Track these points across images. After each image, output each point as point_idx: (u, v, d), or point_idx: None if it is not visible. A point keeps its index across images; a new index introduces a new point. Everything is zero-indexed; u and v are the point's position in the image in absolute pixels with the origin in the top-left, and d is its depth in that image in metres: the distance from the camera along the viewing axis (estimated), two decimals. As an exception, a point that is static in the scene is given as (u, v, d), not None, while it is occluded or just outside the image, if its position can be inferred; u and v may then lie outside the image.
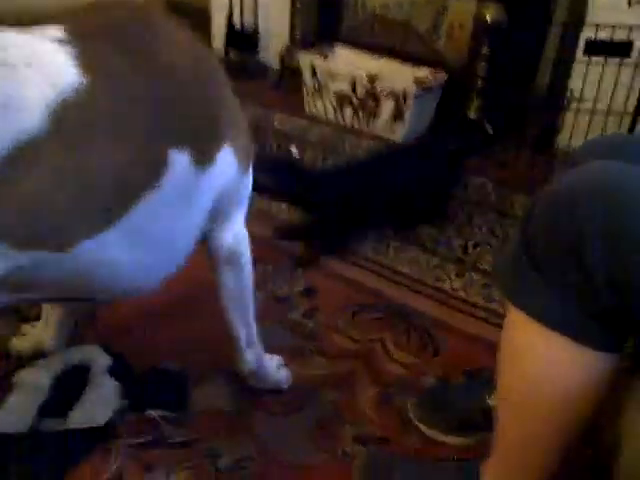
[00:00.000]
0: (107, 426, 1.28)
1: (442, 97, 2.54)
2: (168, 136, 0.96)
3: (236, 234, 1.24)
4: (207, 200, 1.10)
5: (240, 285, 1.28)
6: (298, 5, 2.87)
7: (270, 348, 1.48)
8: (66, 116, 0.80)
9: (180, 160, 0.97)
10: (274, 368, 1.42)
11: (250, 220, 1.99)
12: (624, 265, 0.72)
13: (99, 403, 1.31)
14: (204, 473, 1.22)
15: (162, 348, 1.50)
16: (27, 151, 0.76)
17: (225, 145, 1.09)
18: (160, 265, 1.08)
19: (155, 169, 0.94)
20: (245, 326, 1.32)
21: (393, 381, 1.45)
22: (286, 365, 1.45)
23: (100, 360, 1.40)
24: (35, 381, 1.35)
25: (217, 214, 1.17)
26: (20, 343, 1.46)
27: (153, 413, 1.31)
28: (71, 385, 1.35)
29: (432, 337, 1.58)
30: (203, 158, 1.03)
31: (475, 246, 1.95)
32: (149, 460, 1.23)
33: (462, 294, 1.74)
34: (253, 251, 1.83)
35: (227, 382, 1.41)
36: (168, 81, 0.98)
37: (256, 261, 1.77)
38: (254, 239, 1.88)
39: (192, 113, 1.02)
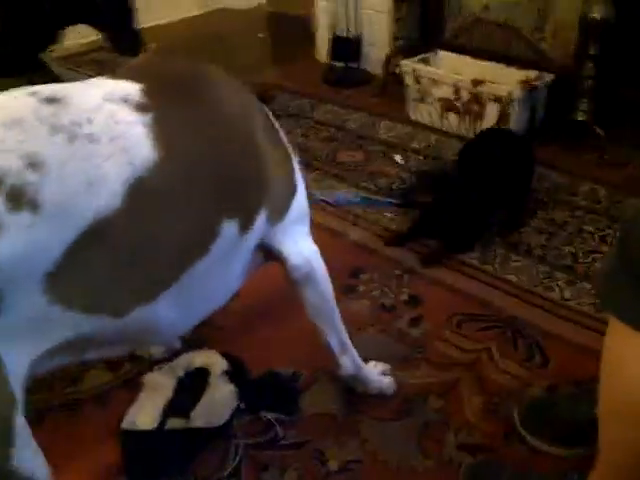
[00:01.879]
0: (225, 426, 1.38)
1: (548, 99, 2.49)
2: (222, 207, 1.01)
3: (302, 253, 1.25)
4: (246, 252, 1.13)
5: (321, 299, 1.31)
6: (400, 13, 2.89)
7: (376, 356, 1.53)
8: (139, 193, 0.85)
9: (228, 229, 1.02)
10: (376, 374, 1.47)
11: (354, 230, 2.07)
12: None
13: (218, 405, 1.41)
14: (314, 474, 1.28)
15: (274, 350, 1.58)
16: (102, 225, 0.81)
17: (264, 208, 1.12)
18: (199, 314, 1.13)
19: (208, 238, 0.99)
20: (334, 332, 1.36)
21: (499, 391, 1.45)
22: (391, 373, 1.49)
23: (219, 365, 1.50)
24: (161, 383, 1.46)
25: (264, 250, 1.21)
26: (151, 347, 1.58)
27: (268, 415, 1.40)
28: (193, 387, 1.46)
29: (540, 347, 1.57)
30: (246, 224, 1.07)
31: (586, 254, 1.91)
32: (263, 459, 1.32)
33: (572, 303, 1.71)
34: (359, 260, 1.91)
35: (336, 387, 1.47)
36: (225, 150, 1.02)
37: (362, 270, 1.86)
38: (359, 248, 1.97)
39: (243, 182, 1.06)
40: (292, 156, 1.25)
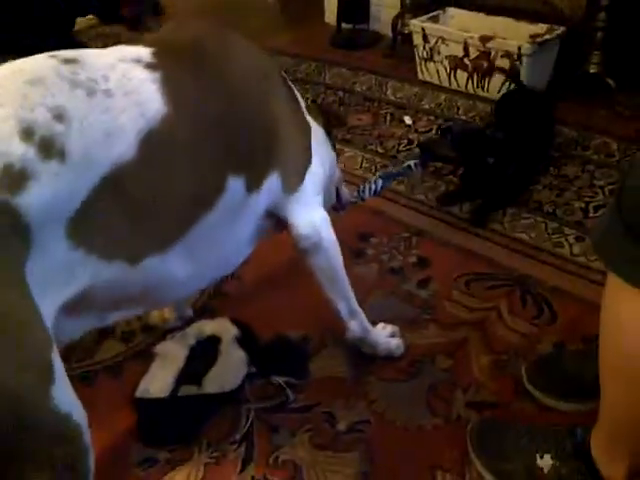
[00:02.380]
0: (237, 391, 1.41)
1: (560, 53, 2.44)
2: (229, 163, 1.05)
3: (312, 222, 1.28)
4: (254, 215, 1.17)
5: (329, 264, 1.33)
6: (408, -29, 2.83)
7: (384, 318, 1.54)
8: (150, 144, 0.90)
9: (235, 185, 1.06)
10: (384, 337, 1.48)
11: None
12: None
13: (229, 371, 1.44)
14: (324, 435, 1.31)
15: (284, 316, 1.60)
16: (115, 177, 0.87)
17: (273, 171, 1.16)
18: (211, 273, 1.18)
19: (214, 193, 1.03)
20: (343, 299, 1.38)
21: (508, 348, 1.46)
22: (400, 335, 1.51)
23: (229, 332, 1.52)
24: (174, 352, 1.49)
25: (274, 218, 1.24)
26: (160, 315, 1.62)
27: (278, 379, 1.42)
28: (204, 355, 1.49)
29: (549, 304, 1.57)
30: (252, 184, 1.11)
31: (597, 209, 1.89)
32: (275, 422, 1.34)
33: (582, 259, 1.70)
34: (369, 223, 1.91)
35: (344, 350, 1.49)
36: (236, 109, 1.07)
37: (371, 234, 1.87)
38: (369, 211, 1.96)
39: (252, 141, 1.10)
40: (311, 128, 1.29)
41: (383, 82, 2.77)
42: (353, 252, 1.80)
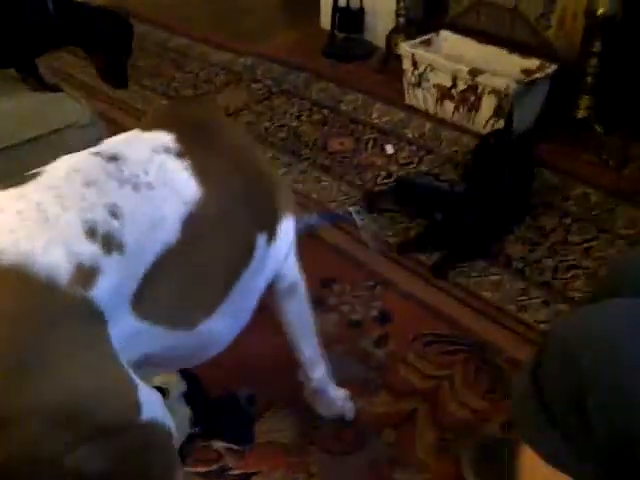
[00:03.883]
0: (179, 452, 1.39)
1: (550, 92, 2.38)
2: (254, 223, 1.16)
3: (292, 266, 1.36)
4: (274, 264, 1.27)
5: (301, 308, 1.39)
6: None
7: (338, 379, 1.52)
8: (192, 225, 1.01)
9: (261, 241, 1.17)
10: (340, 398, 1.47)
11: (331, 232, 2.03)
12: (624, 423, 0.69)
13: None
14: (258, 510, 1.30)
15: (234, 371, 1.57)
16: (165, 259, 0.96)
17: (282, 219, 1.26)
18: (242, 324, 1.26)
19: (248, 253, 1.15)
20: (311, 345, 1.42)
21: (455, 426, 1.44)
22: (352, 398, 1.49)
23: (176, 386, 1.49)
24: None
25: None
26: None
27: (219, 445, 1.41)
28: (149, 408, 1.47)
29: (504, 377, 1.55)
30: (272, 235, 1.22)
31: (568, 269, 1.86)
32: (210, 491, 1.33)
33: (544, 327, 1.68)
34: (333, 267, 1.88)
35: (292, 413, 1.48)
36: (248, 175, 1.18)
37: (334, 279, 1.84)
38: (334, 253, 1.93)
39: (264, 201, 1.22)
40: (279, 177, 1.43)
41: (369, 103, 2.71)
42: (314, 300, 1.76)
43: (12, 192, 0.89)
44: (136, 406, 0.89)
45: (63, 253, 0.83)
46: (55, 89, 1.58)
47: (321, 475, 1.35)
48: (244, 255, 1.15)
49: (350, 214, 1.86)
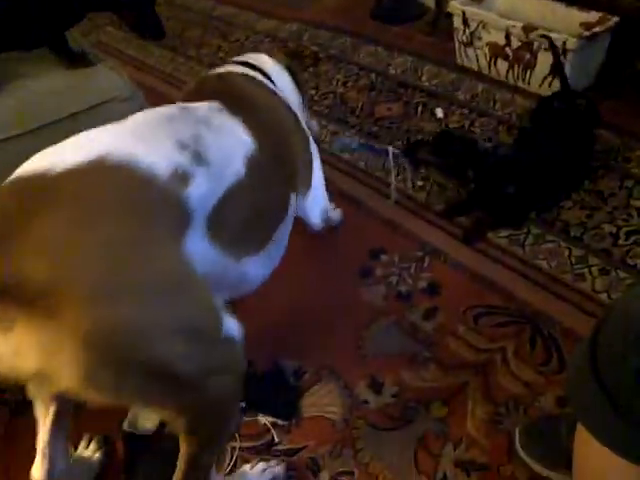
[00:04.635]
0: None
1: (612, 46, 2.24)
2: (288, 180, 1.35)
3: (317, 216, 1.61)
4: (291, 221, 1.42)
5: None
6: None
7: (385, 352, 1.50)
8: (251, 169, 1.15)
9: (293, 199, 1.38)
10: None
11: (380, 201, 1.98)
12: None
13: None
14: (305, 484, 1.29)
15: (282, 342, 1.57)
16: (235, 191, 1.10)
17: (305, 183, 1.49)
18: (271, 270, 1.35)
19: (286, 206, 1.33)
20: None
21: (507, 400, 1.39)
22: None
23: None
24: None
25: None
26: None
27: (266, 420, 1.40)
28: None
29: (559, 349, 1.48)
30: (297, 196, 1.43)
31: (628, 235, 1.75)
32: (257, 465, 1.33)
33: (603, 297, 1.59)
34: (381, 237, 1.84)
35: (339, 387, 1.45)
36: (278, 138, 1.33)
37: (382, 250, 1.79)
38: (384, 223, 1.88)
39: (293, 163, 1.39)
40: (310, 138, 1.54)
41: (419, 66, 2.62)
42: (361, 271, 1.74)
43: (106, 126, 1.04)
44: (220, 320, 0.96)
45: (161, 157, 0.97)
46: (89, 63, 1.57)
47: (368, 451, 1.33)
48: (284, 208, 1.32)
49: (387, 152, 1.94)
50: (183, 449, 1.00)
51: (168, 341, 0.84)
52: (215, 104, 1.22)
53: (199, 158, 1.03)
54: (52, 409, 1.14)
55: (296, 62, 1.73)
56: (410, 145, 2.10)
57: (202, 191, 1.01)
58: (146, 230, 0.88)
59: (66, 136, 1.40)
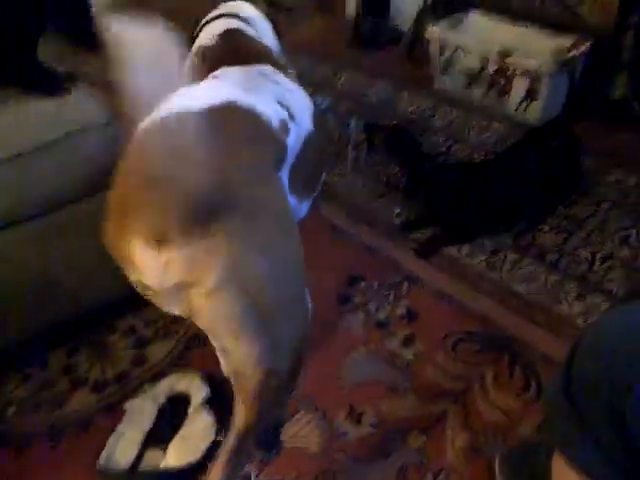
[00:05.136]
0: (200, 464, 1.37)
1: (584, 70, 2.27)
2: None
3: None
4: None
5: None
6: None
7: (364, 381, 1.49)
8: (314, 123, 1.25)
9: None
10: None
11: (359, 227, 1.97)
12: None
13: (195, 438, 1.40)
14: (283, 520, 1.27)
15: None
16: (307, 141, 1.20)
17: None
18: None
19: (326, 159, 1.49)
20: None
21: (486, 427, 1.38)
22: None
23: (200, 391, 1.48)
24: (143, 411, 1.46)
25: None
26: None
27: (243, 453, 1.38)
28: (173, 416, 1.46)
29: (538, 375, 1.48)
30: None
31: (603, 260, 1.77)
32: (235, 500, 1.31)
33: (580, 322, 1.60)
34: (360, 263, 1.83)
35: (318, 418, 1.44)
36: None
37: (361, 277, 1.79)
38: (362, 248, 1.88)
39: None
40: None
41: (397, 91, 2.64)
42: (340, 297, 1.74)
43: (215, 81, 1.15)
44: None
45: (272, 110, 1.10)
46: (65, 88, 1.55)
47: (348, 483, 1.32)
48: (326, 155, 1.52)
49: (349, 124, 2.15)
50: (238, 419, 1.05)
51: (280, 279, 0.98)
52: (269, 67, 1.26)
53: (290, 114, 1.15)
54: None
55: (273, 9, 1.80)
56: (369, 126, 2.18)
57: (292, 143, 1.14)
58: (273, 165, 1.06)
59: (40, 166, 1.41)
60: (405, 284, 1.76)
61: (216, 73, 1.19)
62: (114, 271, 1.56)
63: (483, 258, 1.82)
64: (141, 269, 0.94)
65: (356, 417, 1.44)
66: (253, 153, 1.01)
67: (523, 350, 1.54)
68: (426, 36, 2.57)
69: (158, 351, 1.64)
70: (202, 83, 1.13)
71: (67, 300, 1.61)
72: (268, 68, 1.26)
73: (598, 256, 1.78)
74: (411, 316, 1.67)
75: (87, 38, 1.61)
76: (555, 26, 2.37)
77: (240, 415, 1.04)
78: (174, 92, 1.00)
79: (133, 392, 1.53)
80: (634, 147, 2.16)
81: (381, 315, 1.68)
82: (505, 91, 2.32)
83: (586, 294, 1.67)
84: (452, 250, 1.86)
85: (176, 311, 0.99)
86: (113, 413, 1.49)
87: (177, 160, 0.88)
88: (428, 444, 1.37)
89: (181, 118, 0.93)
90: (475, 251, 1.85)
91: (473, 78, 2.41)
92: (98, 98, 1.59)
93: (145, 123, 0.95)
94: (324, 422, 1.43)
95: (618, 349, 0.72)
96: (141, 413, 1.46)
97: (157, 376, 1.56)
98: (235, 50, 1.35)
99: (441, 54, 2.48)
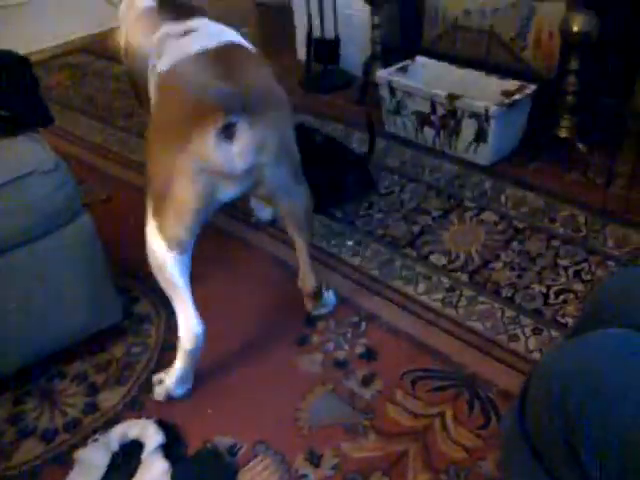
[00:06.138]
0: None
1: (533, 111, 2.35)
2: None
3: None
4: None
5: None
6: (379, 18, 2.72)
7: (324, 422, 1.47)
8: None
9: None
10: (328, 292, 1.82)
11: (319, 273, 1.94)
12: (617, 460, 0.64)
13: (149, 487, 1.35)
14: None
15: (214, 420, 1.51)
16: None
17: None
18: None
19: None
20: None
21: (448, 466, 1.36)
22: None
23: (153, 438, 1.43)
24: (94, 460, 1.40)
25: None
26: (160, 388, 1.57)
27: (198, 501, 1.33)
28: (126, 463, 1.40)
29: (497, 411, 1.48)
30: None
31: (557, 294, 1.80)
32: None
33: (537, 356, 1.61)
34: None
35: (276, 462, 1.40)
36: None
37: (317, 318, 1.77)
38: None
39: None
40: None
41: (349, 133, 2.67)
42: (297, 338, 1.71)
43: (201, 33, 1.54)
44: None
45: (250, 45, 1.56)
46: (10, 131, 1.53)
47: (307, 530, 1.28)
48: None
49: None
50: (306, 237, 1.66)
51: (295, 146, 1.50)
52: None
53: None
54: None
55: None
56: None
57: None
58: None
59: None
60: (363, 323, 1.75)
61: (193, 25, 1.56)
62: (66, 313, 1.52)
63: (438, 297, 1.82)
64: (217, 160, 1.31)
65: (316, 460, 1.40)
66: (261, 69, 1.48)
67: (482, 386, 1.54)
68: (376, 80, 2.62)
69: (110, 397, 1.58)
70: (204, 31, 1.54)
71: (14, 346, 1.55)
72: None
73: (553, 290, 1.81)
74: (370, 355, 1.65)
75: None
76: (501, 70, 2.45)
77: (306, 235, 1.66)
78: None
79: (84, 440, 1.47)
80: (582, 185, 2.22)
81: (340, 354, 1.66)
82: (455, 132, 2.37)
83: (542, 329, 1.69)
84: (408, 288, 1.86)
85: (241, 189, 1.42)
86: (64, 463, 1.43)
87: (222, 73, 1.30)
88: (390, 485, 1.34)
89: (207, 51, 1.38)
90: (431, 289, 1.85)
91: (423, 120, 2.46)
92: (43, 144, 1.56)
93: (170, 62, 1.40)
94: (283, 466, 1.40)
95: (569, 385, 0.72)
96: (92, 462, 1.40)
97: (109, 423, 1.51)
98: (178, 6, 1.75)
99: (391, 98, 2.53)
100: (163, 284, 1.47)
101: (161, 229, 1.39)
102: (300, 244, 1.67)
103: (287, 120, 1.46)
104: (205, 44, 1.40)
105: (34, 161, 1.44)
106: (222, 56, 1.38)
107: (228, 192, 1.40)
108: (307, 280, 1.72)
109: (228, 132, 1.28)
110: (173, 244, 1.39)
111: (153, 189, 1.41)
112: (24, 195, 1.42)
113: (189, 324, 1.46)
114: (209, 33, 1.54)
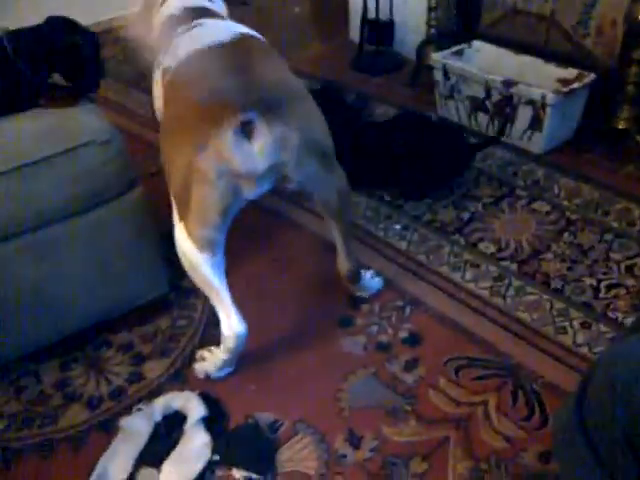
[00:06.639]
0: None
1: (589, 102, 2.28)
2: None
3: None
4: None
5: None
6: (434, 1, 2.67)
7: (365, 405, 1.46)
8: None
9: None
10: (369, 277, 1.79)
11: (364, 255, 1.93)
12: None
13: (191, 457, 1.37)
14: None
15: (257, 396, 1.52)
16: None
17: None
18: None
19: None
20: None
21: (489, 455, 1.35)
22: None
23: (196, 410, 1.45)
24: (138, 428, 1.43)
25: None
26: (201, 366, 1.58)
27: (240, 475, 1.34)
28: (168, 434, 1.42)
29: (542, 403, 1.45)
30: None
31: (608, 288, 1.75)
32: (230, 523, 1.27)
33: (584, 350, 1.58)
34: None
35: (316, 441, 1.41)
36: None
37: (364, 299, 1.76)
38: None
39: None
40: None
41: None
42: (341, 320, 1.71)
43: (213, 26, 1.57)
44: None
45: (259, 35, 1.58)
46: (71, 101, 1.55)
47: (346, 509, 1.28)
48: None
49: None
50: (335, 227, 1.60)
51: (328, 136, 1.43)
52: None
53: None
54: None
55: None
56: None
57: None
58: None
59: (39, 179, 1.38)
60: (408, 308, 1.74)
61: (201, 21, 1.57)
62: (114, 283, 1.54)
63: (485, 285, 1.80)
64: (236, 161, 1.25)
65: (355, 441, 1.40)
66: (276, 60, 1.48)
67: (527, 377, 1.51)
68: (430, 63, 2.58)
69: (155, 368, 1.60)
70: (213, 26, 1.57)
71: (63, 314, 1.58)
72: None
73: (603, 284, 1.76)
74: (414, 340, 1.64)
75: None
76: (560, 58, 2.39)
77: (342, 221, 1.59)
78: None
79: (128, 409, 1.49)
80: (638, 179, 2.16)
81: (383, 338, 1.65)
82: (509, 119, 2.32)
83: (591, 323, 1.65)
84: (455, 275, 1.84)
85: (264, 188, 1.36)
86: (108, 430, 1.46)
87: (238, 66, 1.31)
88: (429, 470, 1.33)
89: (221, 44, 1.38)
90: (479, 277, 1.83)
91: (477, 106, 2.41)
92: (100, 115, 1.58)
93: (181, 57, 1.42)
94: (322, 445, 1.40)
95: (634, 382, 0.70)
96: (137, 430, 1.42)
97: (153, 393, 1.53)
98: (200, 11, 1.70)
99: (445, 81, 2.49)
100: (199, 284, 1.45)
101: (189, 232, 1.36)
102: (336, 229, 1.61)
103: (309, 112, 1.39)
104: (218, 37, 1.38)
105: (91, 132, 1.46)
106: (237, 50, 1.38)
107: (252, 191, 1.34)
108: (342, 263, 1.68)
109: (246, 131, 1.23)
110: (204, 245, 1.36)
111: (174, 191, 1.38)
112: (80, 164, 1.44)
113: (230, 322, 1.43)
114: (219, 26, 1.54)
